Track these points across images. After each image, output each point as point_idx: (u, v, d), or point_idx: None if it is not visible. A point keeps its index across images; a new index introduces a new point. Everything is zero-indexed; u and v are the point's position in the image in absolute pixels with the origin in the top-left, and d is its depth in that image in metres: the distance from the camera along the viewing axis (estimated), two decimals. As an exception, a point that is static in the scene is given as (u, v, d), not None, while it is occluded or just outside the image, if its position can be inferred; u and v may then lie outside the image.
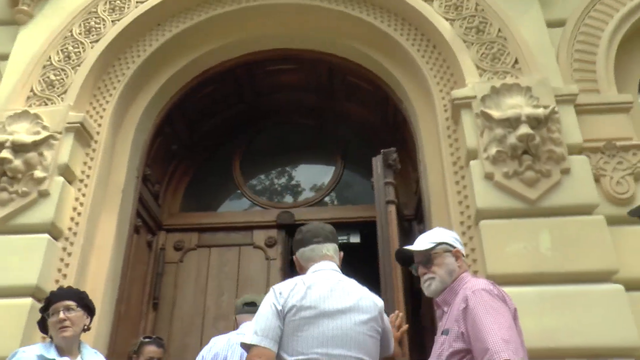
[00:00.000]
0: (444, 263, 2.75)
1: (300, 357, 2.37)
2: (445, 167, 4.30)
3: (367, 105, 5.91)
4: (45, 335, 3.07)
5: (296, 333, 2.42)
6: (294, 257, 2.85)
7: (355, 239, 5.67)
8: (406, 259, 2.92)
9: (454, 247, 2.81)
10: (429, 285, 2.75)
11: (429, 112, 4.75)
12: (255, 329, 2.44)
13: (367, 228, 5.69)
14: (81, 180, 4.54)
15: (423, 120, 4.76)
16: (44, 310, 2.99)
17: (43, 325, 3.01)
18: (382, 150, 4.14)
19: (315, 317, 2.44)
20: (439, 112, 4.55)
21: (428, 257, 2.78)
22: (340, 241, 5.59)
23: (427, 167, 4.55)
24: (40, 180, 4.31)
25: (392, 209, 3.94)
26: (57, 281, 4.04)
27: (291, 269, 5.48)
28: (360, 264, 6.58)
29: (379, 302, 2.68)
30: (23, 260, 4.02)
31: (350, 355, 2.40)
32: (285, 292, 2.50)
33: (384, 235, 3.82)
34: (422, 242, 2.82)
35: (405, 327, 3.11)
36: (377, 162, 4.12)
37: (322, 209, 5.82)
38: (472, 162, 4.08)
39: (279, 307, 2.46)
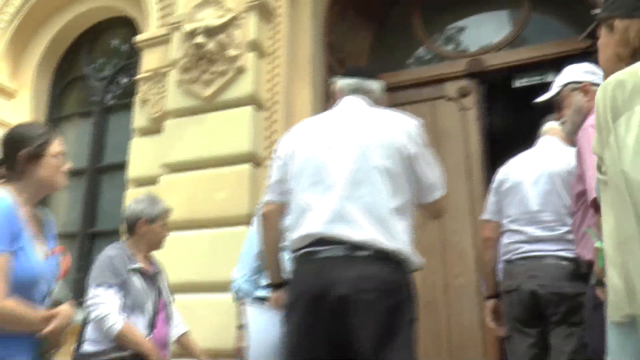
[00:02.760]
0: (572, 103, 2.74)
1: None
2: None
3: None
4: None
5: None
6: None
7: (551, 77, 5.31)
8: None
9: (581, 82, 2.73)
10: (563, 129, 2.78)
11: None
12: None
13: (563, 64, 5.32)
14: (271, 54, 4.74)
15: None
16: None
17: None
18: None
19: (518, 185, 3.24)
20: None
21: (559, 103, 2.82)
22: (535, 82, 5.35)
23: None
24: (234, 58, 4.59)
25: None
26: (267, 148, 4.36)
27: (488, 116, 5.34)
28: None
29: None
30: (235, 131, 4.40)
31: None
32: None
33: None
34: (551, 90, 2.86)
35: None
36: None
37: (512, 51, 5.47)
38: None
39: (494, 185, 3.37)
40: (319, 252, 2.20)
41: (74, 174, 6.15)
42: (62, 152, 2.26)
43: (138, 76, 5.36)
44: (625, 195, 1.30)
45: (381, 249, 2.18)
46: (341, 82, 2.58)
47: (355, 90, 2.53)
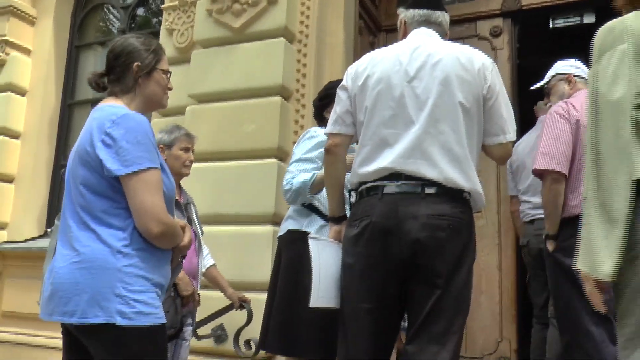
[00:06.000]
0: (557, 91, 3.37)
1: None
2: None
3: None
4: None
5: None
6: None
7: (589, 18, 5.16)
8: None
9: (566, 74, 3.35)
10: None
11: None
12: None
13: (602, 3, 5.15)
14: (303, -15, 4.62)
15: None
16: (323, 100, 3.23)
17: (320, 116, 3.25)
18: None
19: None
20: None
21: (547, 91, 3.51)
22: (572, 23, 5.20)
23: None
24: (267, -11, 4.46)
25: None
26: (297, 80, 4.31)
27: (519, 57, 5.22)
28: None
29: None
30: (265, 63, 4.34)
31: None
32: None
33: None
34: (543, 79, 3.53)
35: None
36: None
37: (550, -10, 5.32)
38: None
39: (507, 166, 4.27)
40: (390, 187, 2.17)
41: (97, 102, 6.13)
42: (169, 69, 2.18)
43: (164, 5, 5.25)
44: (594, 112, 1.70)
45: (454, 188, 2.16)
46: (409, 13, 2.45)
47: (425, 22, 2.42)
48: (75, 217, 1.93)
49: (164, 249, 1.98)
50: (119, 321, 1.80)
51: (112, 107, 1.99)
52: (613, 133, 1.64)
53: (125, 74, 2.06)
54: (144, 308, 1.85)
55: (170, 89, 2.18)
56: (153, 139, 1.98)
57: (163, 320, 1.92)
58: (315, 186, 2.95)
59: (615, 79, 1.64)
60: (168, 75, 2.16)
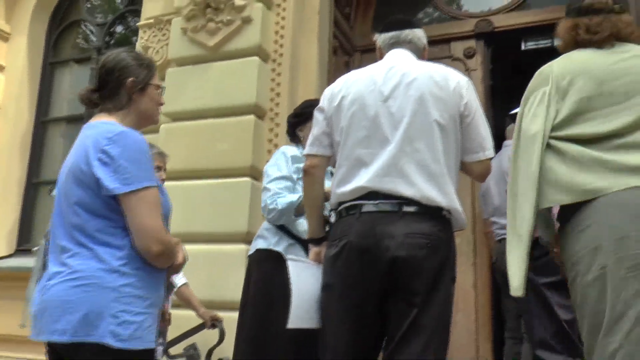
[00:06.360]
0: None
1: None
2: None
3: None
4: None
5: None
6: None
7: (559, 41, 5.25)
8: None
9: None
10: None
11: None
12: None
13: (574, 28, 5.25)
14: (278, 5, 4.67)
15: None
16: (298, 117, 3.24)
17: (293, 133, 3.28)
18: None
19: None
20: None
21: None
22: (543, 45, 5.28)
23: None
24: (241, 8, 4.50)
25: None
26: (271, 99, 4.32)
27: (492, 78, 5.29)
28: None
29: None
30: (239, 82, 4.36)
31: None
32: None
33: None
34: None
35: None
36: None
37: (523, 13, 5.38)
38: None
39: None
40: (368, 206, 2.18)
41: (72, 120, 6.10)
42: (161, 84, 2.13)
43: (140, 22, 5.25)
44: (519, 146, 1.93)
45: (432, 206, 2.16)
46: (381, 37, 2.51)
47: (396, 43, 2.46)
48: (67, 236, 1.87)
49: (160, 268, 1.93)
50: (111, 342, 1.74)
51: (106, 124, 1.94)
52: (526, 164, 1.87)
53: (119, 89, 2.01)
54: (137, 331, 1.80)
55: (162, 104, 2.14)
56: (150, 157, 1.94)
57: (153, 345, 1.87)
58: (301, 208, 2.93)
59: (535, 116, 1.89)
60: (160, 91, 2.12)
